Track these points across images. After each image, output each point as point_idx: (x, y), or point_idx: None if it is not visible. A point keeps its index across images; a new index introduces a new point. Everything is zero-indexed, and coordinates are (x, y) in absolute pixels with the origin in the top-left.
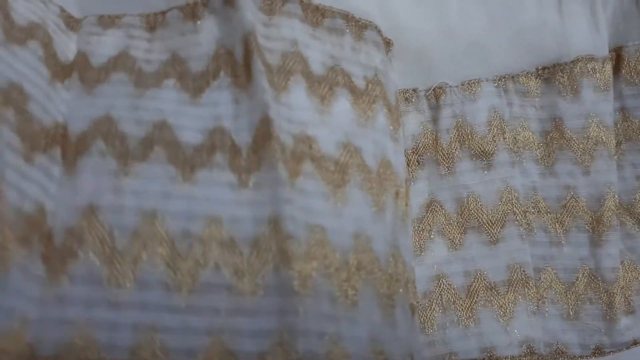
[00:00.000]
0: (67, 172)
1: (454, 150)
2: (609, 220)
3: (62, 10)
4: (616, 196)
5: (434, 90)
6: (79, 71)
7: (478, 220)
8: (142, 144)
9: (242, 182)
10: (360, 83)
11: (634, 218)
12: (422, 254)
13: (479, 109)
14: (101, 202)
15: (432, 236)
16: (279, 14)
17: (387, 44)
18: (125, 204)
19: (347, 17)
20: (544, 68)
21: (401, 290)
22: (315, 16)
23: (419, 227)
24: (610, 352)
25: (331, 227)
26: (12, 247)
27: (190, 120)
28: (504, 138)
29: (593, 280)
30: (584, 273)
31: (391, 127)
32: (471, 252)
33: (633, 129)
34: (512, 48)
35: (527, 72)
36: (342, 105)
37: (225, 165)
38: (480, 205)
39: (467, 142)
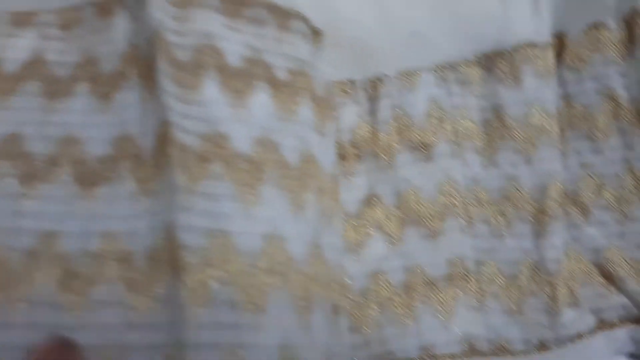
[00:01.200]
0: None
1: (392, 143)
2: (553, 211)
3: None
4: (560, 185)
5: (371, 81)
6: None
7: (417, 214)
8: (48, 163)
9: (143, 191)
10: (283, 75)
11: (579, 207)
12: (361, 250)
13: (418, 100)
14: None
15: (370, 232)
16: (193, 6)
17: (316, 34)
18: (23, 226)
19: (269, 6)
20: (484, 55)
21: (321, 291)
22: (234, 6)
23: (357, 223)
24: (554, 346)
25: (238, 230)
26: None
27: (98, 130)
28: (444, 129)
29: (536, 272)
30: (526, 265)
31: (317, 121)
32: (410, 247)
33: (576, 115)
34: (453, 36)
35: (467, 61)
36: (260, 98)
37: (129, 175)
38: (420, 198)
39: (406, 134)
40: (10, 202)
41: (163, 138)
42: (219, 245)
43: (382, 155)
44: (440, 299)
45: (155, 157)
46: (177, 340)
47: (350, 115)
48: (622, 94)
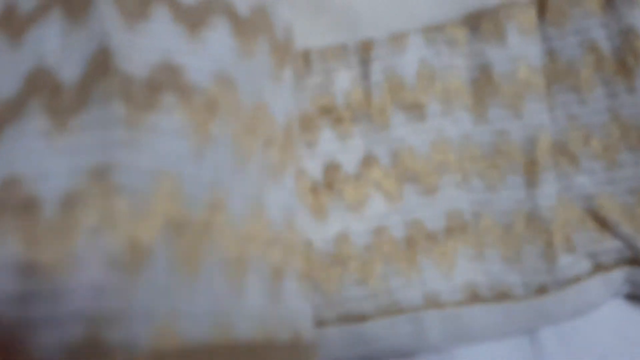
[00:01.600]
0: None
1: (386, 104)
2: (543, 161)
3: None
4: (549, 137)
5: (362, 45)
6: None
7: (414, 172)
8: None
9: (59, 126)
10: (244, 12)
11: (568, 157)
12: (361, 209)
13: (408, 62)
14: None
15: (369, 191)
16: None
17: None
18: None
19: None
20: (469, 15)
21: (258, 252)
22: None
23: (356, 183)
24: (553, 290)
25: (188, 173)
26: None
27: (7, 69)
28: (434, 89)
29: (531, 220)
30: (521, 215)
31: (275, 66)
32: (409, 203)
33: (561, 69)
34: None
35: (454, 21)
36: (218, 33)
37: (40, 110)
38: (415, 156)
39: (398, 95)
40: None
41: (98, 67)
42: (166, 192)
43: (377, 117)
44: (441, 250)
45: (83, 88)
46: (102, 312)
47: (344, 80)
48: (603, 45)
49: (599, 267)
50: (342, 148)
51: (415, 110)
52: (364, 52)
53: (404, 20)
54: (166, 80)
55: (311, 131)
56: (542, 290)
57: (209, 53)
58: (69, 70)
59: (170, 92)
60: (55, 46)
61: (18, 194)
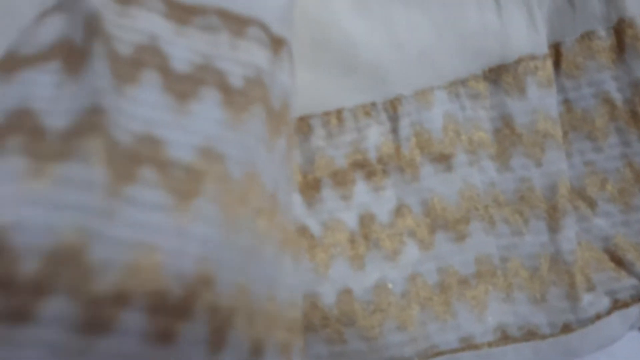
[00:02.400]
0: None
1: (415, 157)
2: (563, 207)
3: None
4: (568, 183)
5: (390, 102)
6: None
7: (444, 220)
8: None
9: (37, 171)
10: (237, 82)
11: (586, 201)
12: (397, 257)
13: (435, 116)
14: None
15: (404, 240)
16: (136, 6)
17: (278, 42)
18: None
19: (222, 13)
20: (490, 70)
21: (243, 325)
22: (182, 13)
23: (391, 232)
24: (576, 328)
25: (169, 247)
26: None
27: None
28: (460, 140)
29: (555, 263)
30: (545, 258)
31: (268, 135)
32: (441, 250)
33: (577, 118)
34: (459, 54)
35: (475, 76)
36: (207, 105)
37: (19, 149)
38: (445, 205)
39: (426, 148)
40: None
41: (87, 124)
42: (143, 263)
43: (407, 169)
44: (473, 294)
45: (68, 140)
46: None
47: (375, 135)
48: (616, 97)
49: (617, 304)
50: (376, 200)
51: (443, 162)
52: (393, 108)
53: (429, 77)
54: (147, 153)
55: (346, 185)
56: (567, 328)
57: (194, 127)
58: (56, 118)
59: (150, 166)
60: (46, 93)
61: None
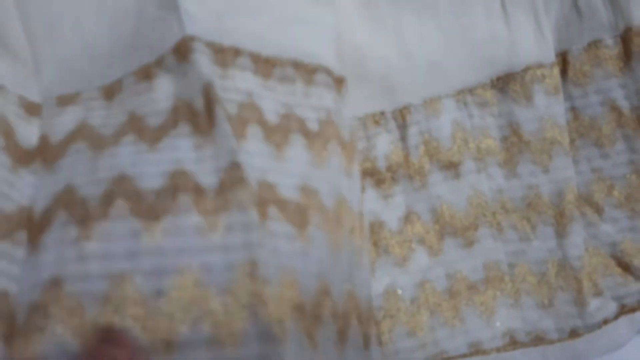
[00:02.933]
0: (31, 252)
1: (424, 165)
2: (571, 213)
3: (21, 98)
4: (575, 189)
5: (400, 111)
6: (42, 153)
7: (453, 226)
8: (102, 201)
9: (211, 224)
10: (313, 126)
11: (593, 207)
12: (406, 263)
13: (443, 124)
14: (66, 273)
15: (413, 246)
16: (232, 67)
17: (339, 82)
18: (91, 270)
19: (296, 64)
20: (498, 78)
21: (354, 322)
22: (266, 68)
23: (400, 238)
24: (584, 333)
25: (300, 268)
26: None
27: (150, 166)
28: (468, 148)
29: (562, 269)
30: (553, 264)
31: (345, 165)
32: (450, 256)
33: (584, 125)
34: (468, 63)
35: (483, 84)
36: (297, 150)
37: (191, 206)
38: (454, 212)
39: (435, 156)
40: (74, 248)
41: (233, 177)
42: (289, 282)
43: (416, 177)
44: (482, 300)
45: (222, 193)
46: None
47: (384, 143)
48: (623, 104)
49: (624, 309)
50: (385, 207)
51: (451, 169)
52: (402, 117)
53: (437, 86)
54: (269, 196)
55: None
56: (574, 333)
57: (292, 169)
58: (206, 177)
59: (273, 205)
60: (191, 157)
61: (192, 282)
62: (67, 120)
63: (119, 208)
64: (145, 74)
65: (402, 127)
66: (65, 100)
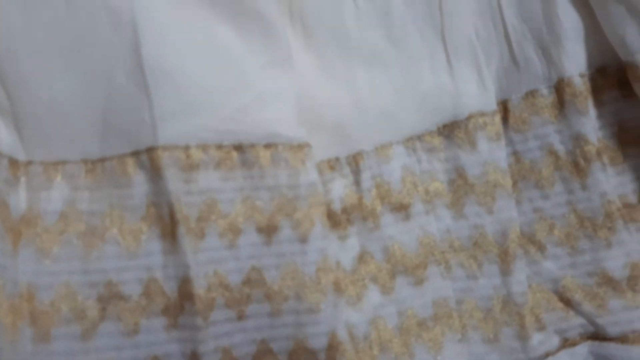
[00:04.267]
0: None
1: (376, 207)
2: (514, 251)
3: (10, 160)
4: (517, 229)
5: (353, 156)
6: (33, 232)
7: (404, 265)
8: (98, 308)
9: (172, 323)
10: (267, 207)
11: (536, 246)
12: (360, 301)
13: (393, 169)
14: None
15: (366, 284)
16: (196, 171)
17: (301, 149)
18: None
19: (253, 147)
20: (444, 126)
21: None
22: (227, 158)
23: (353, 277)
24: None
25: (237, 341)
26: None
27: (130, 274)
28: (417, 191)
29: (507, 305)
30: (498, 300)
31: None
32: (401, 294)
33: (525, 169)
34: (416, 112)
35: (431, 132)
36: (248, 236)
37: (159, 311)
38: (404, 251)
39: (386, 198)
40: (79, 344)
41: (185, 291)
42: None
43: (369, 218)
44: (430, 336)
45: (180, 301)
46: None
47: (339, 187)
48: (559, 148)
49: (565, 342)
50: (341, 247)
51: (402, 211)
52: (355, 162)
53: (388, 134)
54: (214, 296)
55: None
56: None
57: (242, 255)
58: (170, 284)
59: (220, 297)
60: (160, 262)
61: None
62: (54, 197)
63: (110, 313)
64: (123, 165)
65: (356, 172)
66: (49, 170)
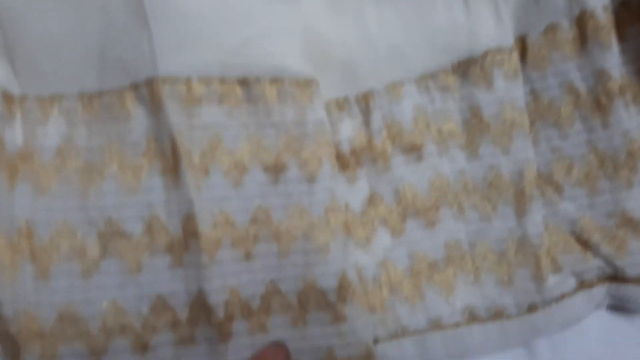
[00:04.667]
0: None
1: (387, 148)
2: (530, 192)
3: (5, 94)
4: (534, 169)
5: (363, 95)
6: (30, 168)
7: (415, 207)
8: (98, 245)
9: (176, 261)
10: (273, 143)
11: (553, 186)
12: (369, 243)
13: (405, 108)
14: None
15: (375, 226)
16: (199, 106)
17: (308, 85)
18: (93, 298)
19: (258, 81)
20: (458, 64)
21: (312, 307)
22: (231, 92)
23: (363, 220)
24: (541, 307)
25: (244, 281)
26: None
27: (130, 211)
28: (430, 131)
29: (522, 247)
30: (513, 242)
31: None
32: (412, 237)
33: (543, 107)
34: (428, 49)
35: (445, 69)
36: (254, 175)
37: (163, 249)
38: (416, 193)
39: (397, 139)
40: (79, 280)
41: (189, 228)
42: (232, 292)
43: (379, 160)
44: (442, 278)
45: (184, 239)
46: None
47: (347, 128)
48: (580, 86)
49: (582, 284)
50: (350, 190)
51: (414, 152)
52: (365, 102)
53: (399, 72)
54: (219, 235)
55: None
56: (532, 308)
57: (247, 194)
58: (173, 221)
59: (227, 240)
60: (162, 199)
61: (163, 306)
62: (51, 132)
63: (111, 251)
64: (122, 99)
65: (365, 112)
66: (45, 105)
